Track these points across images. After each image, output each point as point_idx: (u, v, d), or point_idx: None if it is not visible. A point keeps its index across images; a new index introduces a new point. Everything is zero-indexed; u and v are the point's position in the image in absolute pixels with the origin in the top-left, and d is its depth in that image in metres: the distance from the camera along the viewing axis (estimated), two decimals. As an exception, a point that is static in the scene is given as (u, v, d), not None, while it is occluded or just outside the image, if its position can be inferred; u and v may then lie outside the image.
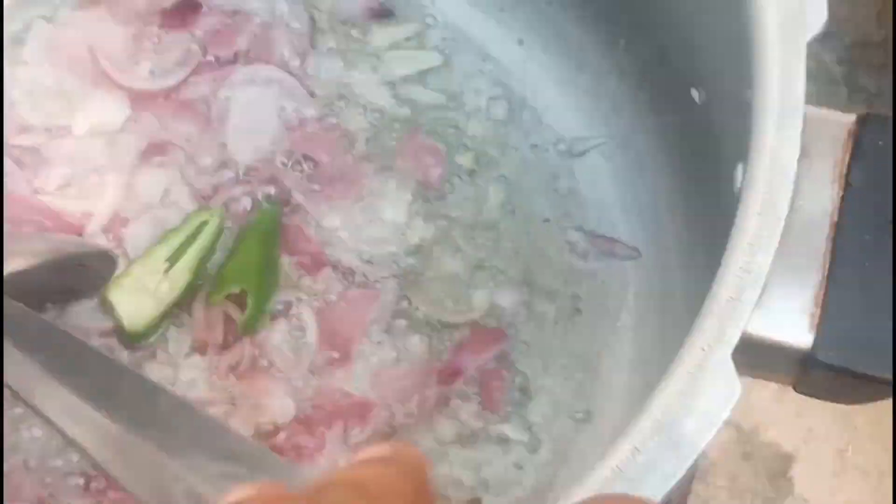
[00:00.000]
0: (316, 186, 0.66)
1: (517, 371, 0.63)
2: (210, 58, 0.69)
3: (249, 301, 0.61)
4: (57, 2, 0.70)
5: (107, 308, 0.61)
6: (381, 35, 0.71)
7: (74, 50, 0.68)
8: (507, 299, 0.64)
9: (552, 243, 0.66)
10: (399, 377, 0.62)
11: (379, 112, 0.68)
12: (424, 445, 0.60)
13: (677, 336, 0.57)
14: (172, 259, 0.61)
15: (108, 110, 0.67)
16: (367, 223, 0.65)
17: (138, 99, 0.67)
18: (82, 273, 0.60)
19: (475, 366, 0.62)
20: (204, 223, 0.62)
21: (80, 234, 0.64)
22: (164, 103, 0.67)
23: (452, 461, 0.61)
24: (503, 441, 0.61)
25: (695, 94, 0.56)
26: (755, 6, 0.45)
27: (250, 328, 0.61)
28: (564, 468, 0.61)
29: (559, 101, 0.69)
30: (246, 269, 0.62)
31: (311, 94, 0.68)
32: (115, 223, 0.64)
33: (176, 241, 0.62)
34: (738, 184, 0.44)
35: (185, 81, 0.68)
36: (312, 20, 0.70)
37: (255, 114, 0.67)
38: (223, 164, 0.66)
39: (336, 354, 0.62)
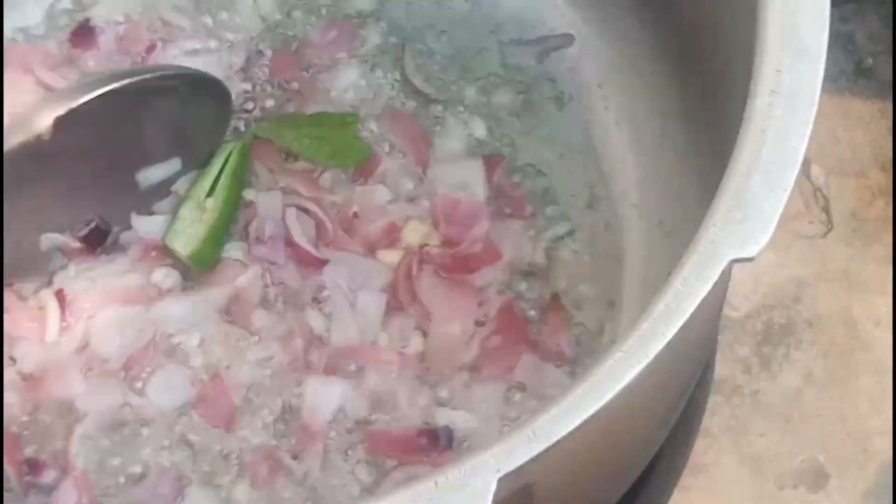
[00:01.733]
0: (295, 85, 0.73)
1: (526, 174, 0.70)
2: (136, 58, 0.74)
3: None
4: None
5: (173, 255, 0.66)
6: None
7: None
8: (479, 130, 0.72)
9: (500, 65, 0.74)
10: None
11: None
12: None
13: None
14: (211, 190, 0.66)
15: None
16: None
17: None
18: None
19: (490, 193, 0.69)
20: (230, 153, 0.68)
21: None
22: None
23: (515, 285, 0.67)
24: (547, 228, 0.68)
25: None
26: None
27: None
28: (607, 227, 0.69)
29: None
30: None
31: (231, 44, 0.75)
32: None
33: (210, 177, 0.67)
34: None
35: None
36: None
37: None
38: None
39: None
